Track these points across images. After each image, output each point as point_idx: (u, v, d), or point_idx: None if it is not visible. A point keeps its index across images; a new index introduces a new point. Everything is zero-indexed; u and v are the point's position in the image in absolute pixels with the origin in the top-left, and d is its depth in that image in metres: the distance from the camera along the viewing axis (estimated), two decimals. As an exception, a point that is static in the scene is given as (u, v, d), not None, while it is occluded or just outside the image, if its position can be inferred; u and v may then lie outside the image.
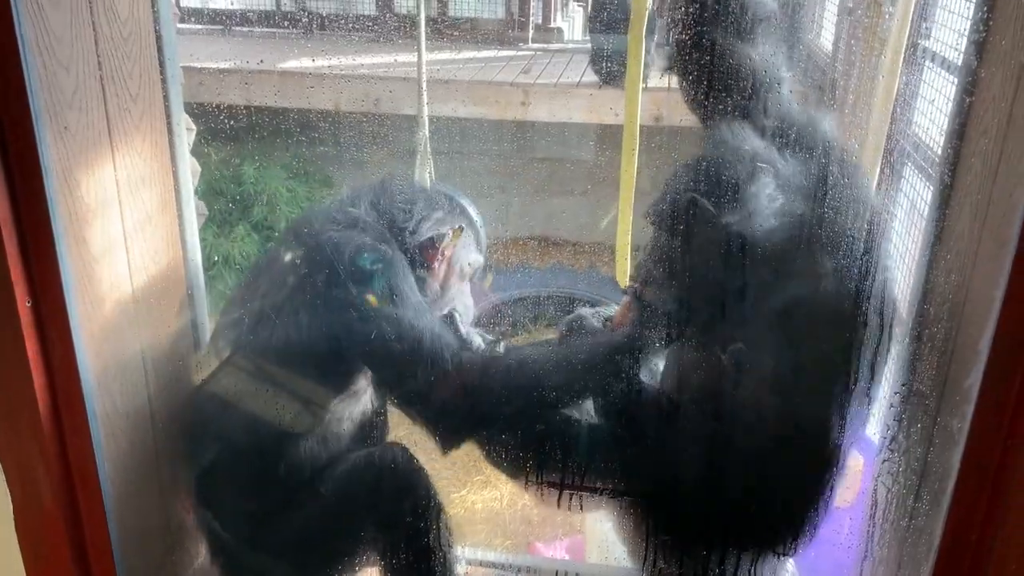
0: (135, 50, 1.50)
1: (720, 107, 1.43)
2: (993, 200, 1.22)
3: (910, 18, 2.06)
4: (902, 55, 2.03)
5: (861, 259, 1.35)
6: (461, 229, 1.79)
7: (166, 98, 1.63)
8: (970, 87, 1.28)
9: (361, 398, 1.81)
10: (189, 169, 1.75)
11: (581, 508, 1.59)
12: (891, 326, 1.38)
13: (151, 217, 1.61)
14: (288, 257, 1.70)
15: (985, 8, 1.23)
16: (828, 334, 1.37)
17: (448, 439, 1.63)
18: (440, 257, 1.76)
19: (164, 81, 1.61)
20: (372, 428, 1.85)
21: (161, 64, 1.60)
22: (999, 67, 1.22)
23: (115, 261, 1.52)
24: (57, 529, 1.43)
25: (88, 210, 1.42)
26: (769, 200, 1.34)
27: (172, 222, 1.69)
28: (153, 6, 1.54)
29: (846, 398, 1.36)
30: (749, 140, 1.38)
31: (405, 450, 1.73)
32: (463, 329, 1.77)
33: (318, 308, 1.61)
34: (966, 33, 1.34)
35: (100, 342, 1.48)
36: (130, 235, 1.56)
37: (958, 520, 1.23)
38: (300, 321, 1.62)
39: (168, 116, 1.64)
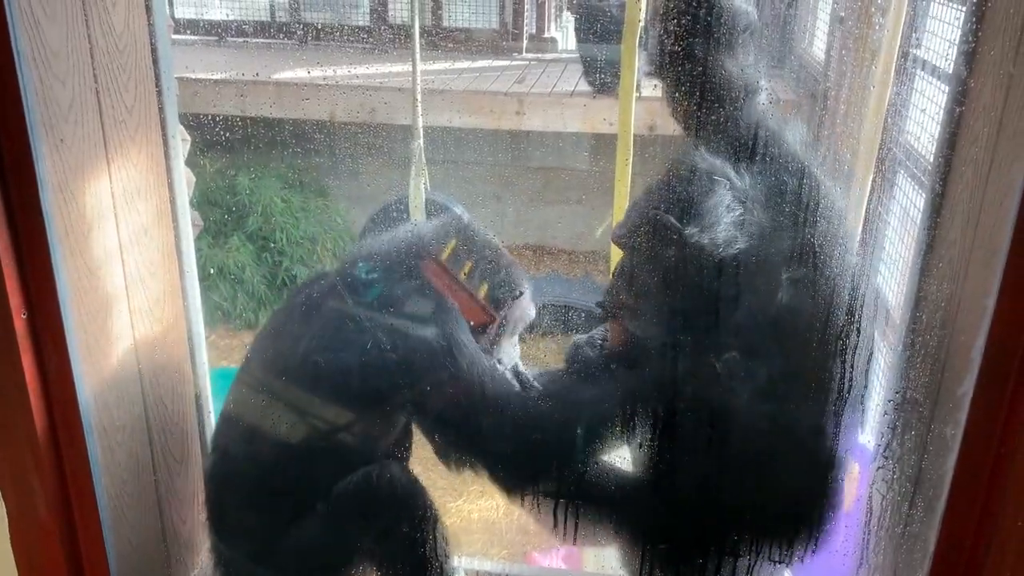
0: (130, 62, 1.51)
1: (700, 116, 1.46)
2: (984, 208, 1.23)
3: (901, 28, 2.07)
4: (894, 64, 2.04)
5: (833, 268, 1.39)
6: (521, 294, 1.76)
7: (161, 110, 1.63)
8: (960, 96, 1.29)
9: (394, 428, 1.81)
10: (184, 180, 1.75)
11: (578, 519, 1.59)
12: (864, 333, 1.40)
13: (147, 229, 1.62)
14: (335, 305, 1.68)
15: (974, 19, 1.24)
16: (804, 343, 1.39)
17: (515, 487, 1.63)
18: (501, 320, 1.74)
19: (159, 93, 1.62)
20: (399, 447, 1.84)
21: (156, 76, 1.60)
22: (989, 76, 1.23)
23: (111, 273, 1.52)
24: (52, 543, 1.43)
25: (84, 222, 1.42)
26: (728, 211, 1.38)
27: (168, 233, 1.69)
28: (148, 18, 1.55)
29: (824, 405, 1.38)
30: (705, 157, 1.42)
31: (402, 466, 1.73)
32: (522, 375, 1.75)
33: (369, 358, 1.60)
34: (956, 43, 1.36)
35: (96, 354, 1.48)
36: (126, 247, 1.56)
37: (952, 527, 1.24)
38: (348, 368, 1.63)
39: (163, 127, 1.65)
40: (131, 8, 1.49)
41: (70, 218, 1.38)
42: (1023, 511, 1.15)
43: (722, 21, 1.41)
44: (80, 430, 1.41)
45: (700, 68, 1.41)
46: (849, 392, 1.40)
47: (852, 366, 1.39)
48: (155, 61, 1.60)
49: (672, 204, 1.41)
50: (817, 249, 1.39)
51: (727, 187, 1.39)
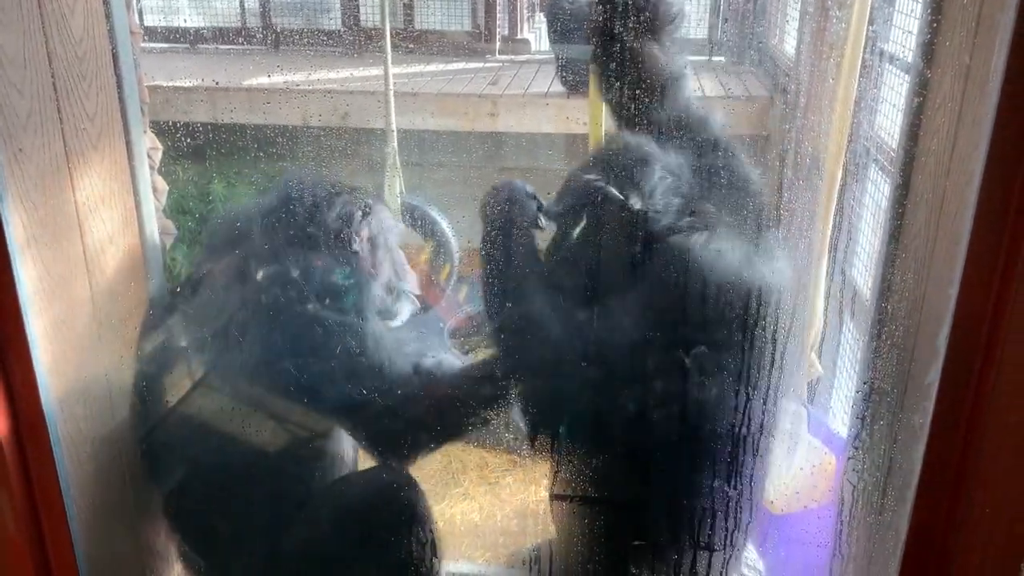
0: (91, 70, 1.49)
1: (627, 101, 1.56)
2: (947, 198, 1.24)
3: (867, 20, 2.09)
4: (860, 57, 2.06)
5: (748, 245, 1.46)
6: (368, 207, 1.77)
7: (125, 117, 1.62)
8: (920, 88, 1.31)
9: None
10: (151, 188, 1.73)
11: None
12: (779, 315, 1.45)
13: (112, 238, 1.60)
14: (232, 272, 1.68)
15: (931, 9, 1.26)
16: (724, 323, 1.43)
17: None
18: (357, 238, 1.73)
19: (122, 100, 1.60)
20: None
21: (119, 83, 1.59)
22: (947, 67, 1.24)
23: (76, 284, 1.50)
24: (22, 557, 1.41)
25: (47, 232, 1.40)
26: (661, 181, 1.48)
27: (135, 242, 1.68)
28: (108, 24, 1.53)
29: (728, 388, 1.41)
30: (633, 135, 1.54)
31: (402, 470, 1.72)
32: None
33: (280, 326, 1.60)
34: (914, 34, 1.37)
35: (63, 365, 1.46)
36: (92, 256, 1.54)
37: (923, 515, 1.25)
38: (268, 340, 1.62)
39: (127, 135, 1.63)
40: (90, 15, 1.47)
41: (32, 228, 1.37)
42: (991, 498, 1.16)
43: (650, 9, 1.48)
44: (47, 442, 1.39)
45: (628, 54, 1.48)
46: (771, 377, 1.43)
47: (774, 348, 1.42)
48: (117, 68, 1.58)
49: (608, 179, 1.49)
50: (738, 224, 1.46)
51: (657, 160, 1.48)
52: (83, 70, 1.48)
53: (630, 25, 1.50)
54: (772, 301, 1.43)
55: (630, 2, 1.49)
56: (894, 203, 1.38)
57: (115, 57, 1.57)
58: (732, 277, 1.41)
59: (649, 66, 1.53)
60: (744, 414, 1.43)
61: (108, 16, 1.52)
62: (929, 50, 1.29)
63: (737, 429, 1.43)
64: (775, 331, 1.43)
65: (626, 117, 1.60)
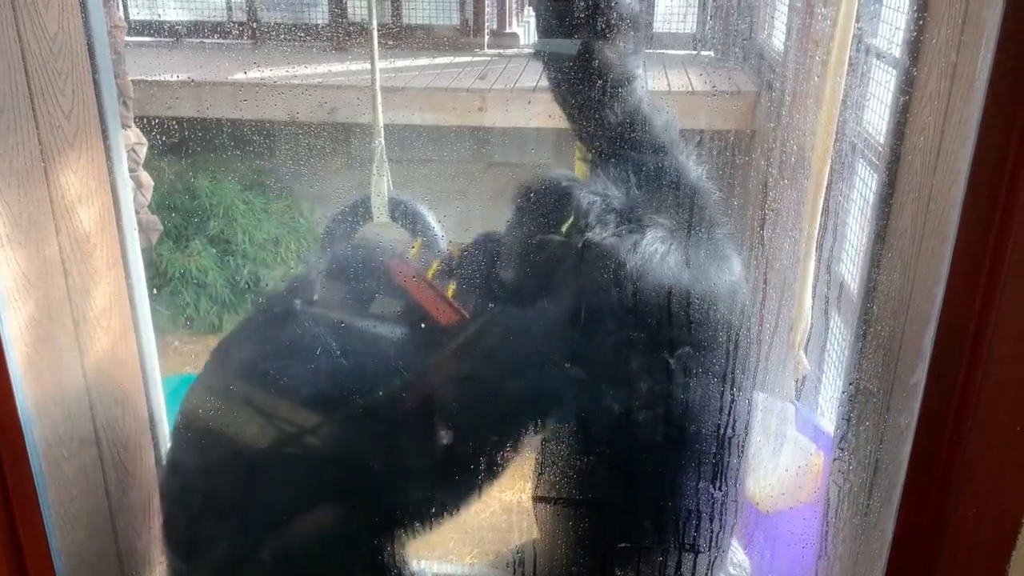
0: (66, 66, 1.46)
1: (578, 102, 1.55)
2: (933, 197, 1.23)
3: (854, 16, 2.08)
4: (847, 53, 2.05)
5: (699, 251, 1.47)
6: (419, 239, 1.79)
7: (102, 113, 1.59)
8: (907, 85, 1.30)
9: None
10: (129, 186, 1.71)
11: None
12: (732, 313, 1.45)
13: (90, 236, 1.57)
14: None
15: (917, 6, 1.24)
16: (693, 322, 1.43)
17: None
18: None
19: (99, 96, 1.57)
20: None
21: (95, 79, 1.56)
22: (934, 65, 1.23)
23: (52, 283, 1.48)
24: (-3, 562, 1.39)
25: (21, 231, 1.38)
26: (590, 206, 1.49)
27: (113, 241, 1.65)
28: (84, 19, 1.50)
29: (700, 389, 1.41)
30: (544, 175, 1.57)
31: None
32: None
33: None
34: (902, 31, 1.36)
35: (38, 367, 1.43)
36: (68, 256, 1.52)
37: (909, 515, 1.24)
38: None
39: (104, 132, 1.60)
40: (64, 10, 1.44)
41: (5, 227, 1.34)
42: (977, 498, 1.16)
43: (601, 8, 1.47)
44: (22, 445, 1.36)
45: (580, 54, 1.47)
46: (743, 380, 1.43)
47: (734, 347, 1.42)
48: (93, 64, 1.55)
49: (537, 223, 1.52)
50: (687, 225, 1.47)
51: (577, 188, 1.49)
52: (58, 66, 1.45)
53: (579, 24, 1.48)
54: (721, 300, 1.42)
55: (583, 2, 1.48)
56: (880, 201, 1.37)
57: (91, 52, 1.54)
58: (667, 278, 1.41)
59: (600, 67, 1.52)
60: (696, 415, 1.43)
61: (83, 9, 1.49)
62: (915, 47, 1.28)
63: (694, 428, 1.43)
64: (730, 330, 1.43)
65: (574, 119, 1.60)
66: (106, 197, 1.62)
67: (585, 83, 1.52)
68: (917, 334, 1.21)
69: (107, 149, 1.61)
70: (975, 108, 1.04)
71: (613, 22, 1.49)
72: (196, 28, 6.27)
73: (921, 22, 1.24)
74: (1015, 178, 1.00)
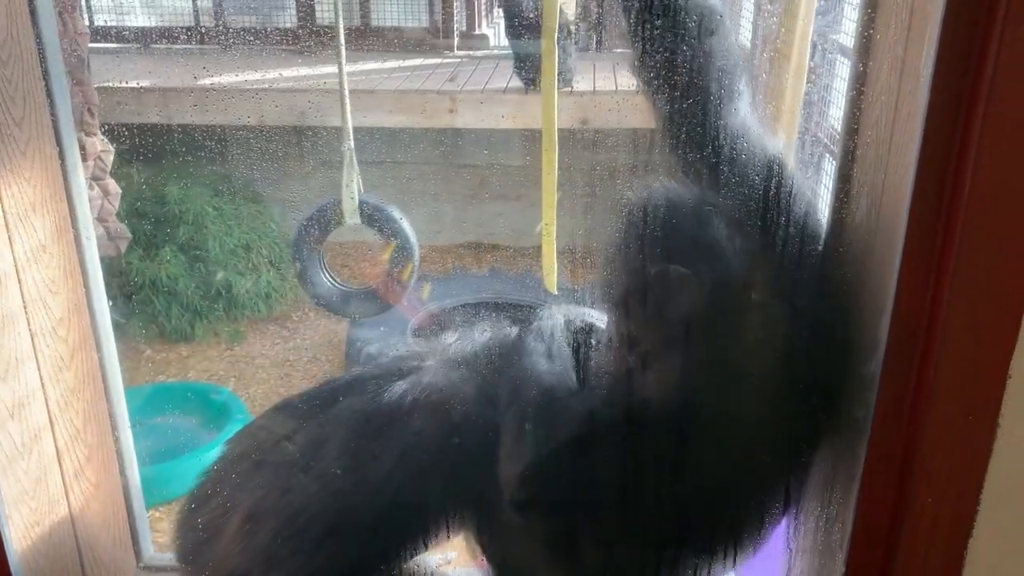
0: (16, 73, 1.44)
1: (677, 120, 1.35)
2: (886, 190, 1.24)
3: (813, 12, 2.10)
4: (808, 50, 2.06)
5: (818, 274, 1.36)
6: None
7: (55, 121, 1.57)
8: (858, 81, 1.31)
9: None
10: (86, 194, 1.69)
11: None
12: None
13: (45, 246, 1.55)
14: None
15: (866, 0, 1.26)
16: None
17: None
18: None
19: (51, 103, 1.55)
20: None
21: (47, 86, 1.54)
22: (884, 60, 1.24)
23: (6, 293, 1.46)
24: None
25: (-29, 242, 1.36)
26: (730, 240, 1.28)
27: (70, 250, 1.63)
28: (34, 25, 1.48)
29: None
30: (671, 186, 1.33)
31: None
32: None
33: None
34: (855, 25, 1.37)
35: (-7, 379, 1.42)
36: (22, 266, 1.50)
37: (868, 507, 1.25)
38: None
39: (58, 139, 1.58)
40: (13, 17, 1.42)
41: (-45, 238, 1.32)
42: (933, 489, 1.17)
43: (692, 21, 1.30)
44: (-23, 460, 1.35)
45: (675, 70, 1.30)
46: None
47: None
48: (45, 70, 1.53)
49: (663, 250, 1.29)
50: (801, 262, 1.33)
51: (715, 213, 1.29)
52: (8, 74, 1.43)
53: (672, 38, 1.29)
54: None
55: (669, 12, 1.29)
56: (836, 197, 1.38)
57: (43, 58, 1.52)
58: None
59: (697, 82, 1.30)
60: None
61: (33, 15, 1.47)
62: (866, 42, 1.29)
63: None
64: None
65: (672, 137, 1.35)
66: (61, 205, 1.60)
67: (683, 101, 1.33)
68: (871, 327, 1.22)
69: (62, 157, 1.59)
70: (921, 103, 1.05)
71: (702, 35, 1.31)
72: (163, 33, 6.22)
73: (871, 16, 1.25)
74: (959, 172, 1.01)
